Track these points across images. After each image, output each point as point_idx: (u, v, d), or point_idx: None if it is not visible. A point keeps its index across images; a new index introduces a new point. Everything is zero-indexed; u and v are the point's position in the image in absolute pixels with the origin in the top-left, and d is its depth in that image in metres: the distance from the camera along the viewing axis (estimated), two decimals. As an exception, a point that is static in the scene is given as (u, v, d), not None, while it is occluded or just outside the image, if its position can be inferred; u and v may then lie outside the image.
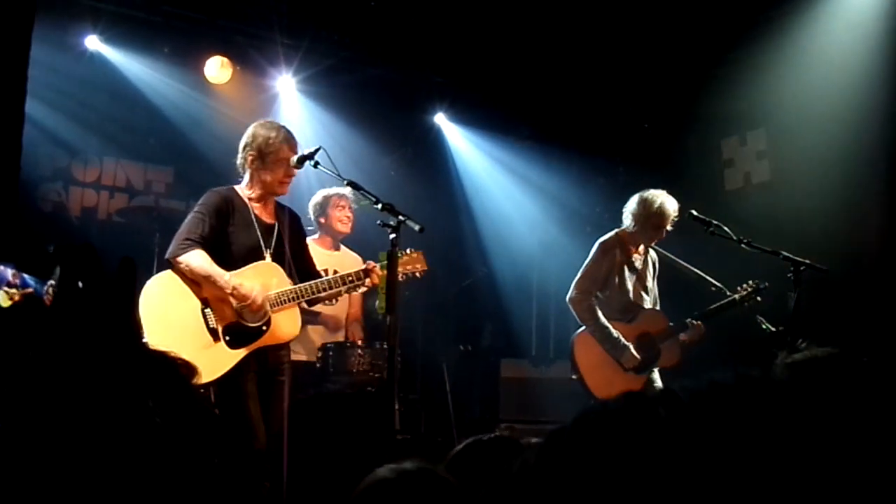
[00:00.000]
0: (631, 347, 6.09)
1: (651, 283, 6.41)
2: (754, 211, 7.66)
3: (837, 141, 7.22)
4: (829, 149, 7.28)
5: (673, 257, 6.43)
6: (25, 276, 4.67)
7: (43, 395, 1.21)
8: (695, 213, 5.94)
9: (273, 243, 5.12)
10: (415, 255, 5.31)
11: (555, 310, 10.16)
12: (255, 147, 5.11)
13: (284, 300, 4.98)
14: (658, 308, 6.42)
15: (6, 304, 4.48)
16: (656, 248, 6.45)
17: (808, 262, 5.50)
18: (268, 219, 5.18)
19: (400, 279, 5.11)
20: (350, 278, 5.12)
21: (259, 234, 5.07)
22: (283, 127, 5.26)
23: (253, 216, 5.09)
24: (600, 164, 9.59)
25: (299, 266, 5.27)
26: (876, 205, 7.00)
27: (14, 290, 4.56)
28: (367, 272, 5.13)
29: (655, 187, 6.30)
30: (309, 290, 5.06)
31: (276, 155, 5.08)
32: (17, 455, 1.22)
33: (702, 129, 8.45)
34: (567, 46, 8.58)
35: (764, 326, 5.86)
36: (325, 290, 5.11)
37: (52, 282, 4.52)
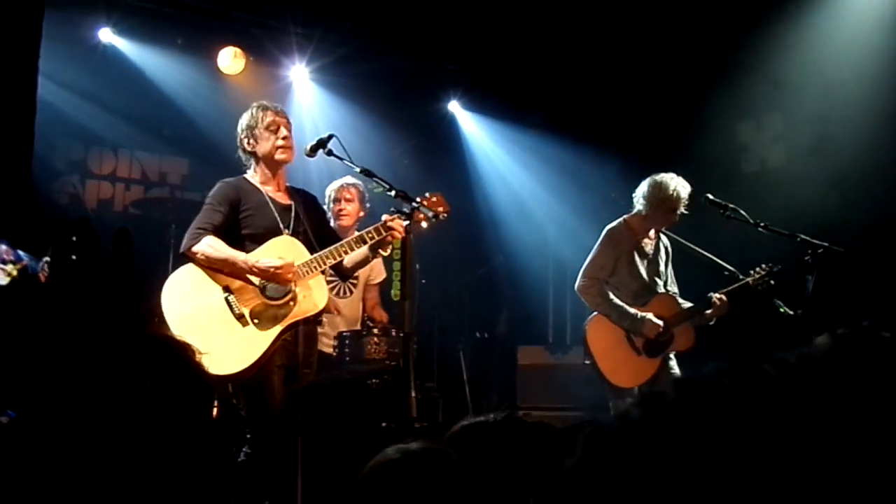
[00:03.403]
0: (650, 315, 6.06)
1: (664, 267, 6.37)
2: (770, 195, 7.60)
3: (854, 124, 7.17)
4: (846, 132, 7.23)
5: (684, 241, 6.40)
6: (20, 251, 4.68)
7: (41, 371, 1.21)
8: (711, 196, 5.91)
9: (291, 222, 5.07)
10: (434, 197, 5.08)
11: (571, 296, 10.11)
12: (244, 129, 5.14)
13: (307, 271, 4.91)
14: (676, 292, 6.39)
15: (5, 281, 4.49)
16: (667, 232, 6.41)
17: (825, 244, 5.46)
18: (283, 199, 5.14)
19: (424, 225, 5.01)
20: (370, 235, 4.96)
21: (276, 214, 5.03)
22: (261, 102, 5.27)
23: (267, 198, 5.06)
24: (615, 150, 9.55)
25: (322, 241, 5.20)
26: (893, 187, 6.94)
27: (10, 267, 4.57)
28: (386, 226, 4.93)
29: (670, 172, 6.26)
30: (331, 256, 4.97)
31: (262, 123, 5.08)
32: (21, 434, 1.22)
33: (717, 114, 8.39)
34: (580, 32, 8.55)
35: (781, 310, 5.82)
36: (345, 252, 5.00)
37: (46, 258, 4.53)
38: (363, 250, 5.08)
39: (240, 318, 4.86)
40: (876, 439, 0.63)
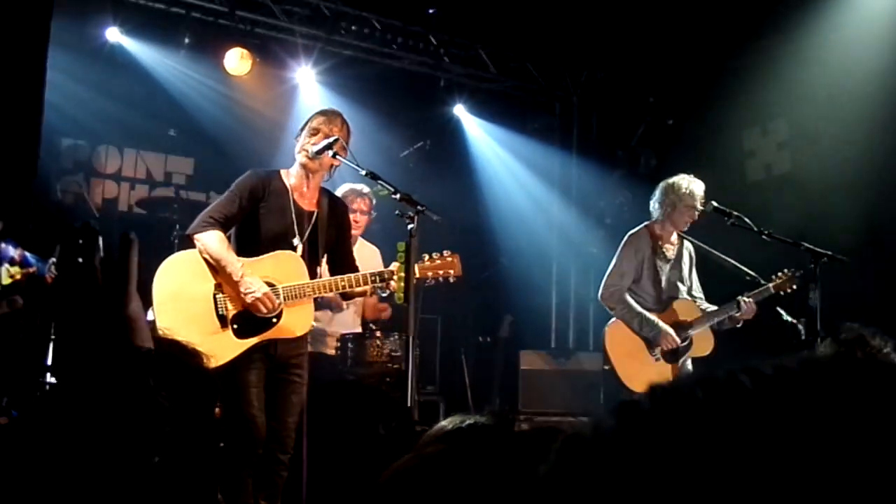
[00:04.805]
0: (670, 330, 6.06)
1: (687, 272, 6.37)
2: (775, 202, 7.60)
3: (859, 131, 7.16)
4: (851, 139, 7.23)
5: (707, 248, 6.39)
6: (28, 254, 4.69)
7: (46, 371, 1.22)
8: (715, 203, 5.93)
9: (307, 231, 5.00)
10: (451, 258, 5.07)
11: (574, 301, 10.15)
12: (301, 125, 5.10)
13: (297, 294, 4.86)
14: (701, 297, 6.38)
15: (6, 281, 4.50)
16: (690, 238, 6.39)
17: (829, 253, 5.46)
18: (307, 206, 5.04)
19: (430, 283, 5.03)
20: (373, 278, 4.94)
21: (293, 219, 4.95)
22: (333, 109, 5.23)
23: (291, 201, 4.97)
24: (620, 155, 9.55)
25: (335, 258, 5.18)
26: (898, 196, 6.94)
27: (16, 269, 4.58)
28: (391, 274, 4.89)
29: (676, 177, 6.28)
30: (324, 287, 4.94)
31: (310, 123, 5.01)
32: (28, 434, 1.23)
33: (723, 120, 8.39)
34: (586, 36, 8.55)
35: (784, 318, 5.82)
36: (344, 287, 4.95)
37: (53, 259, 4.54)
38: (360, 287, 5.04)
39: (221, 318, 4.81)
40: (847, 458, 0.62)
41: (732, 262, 6.26)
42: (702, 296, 6.39)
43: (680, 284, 6.30)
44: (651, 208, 6.29)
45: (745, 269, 6.19)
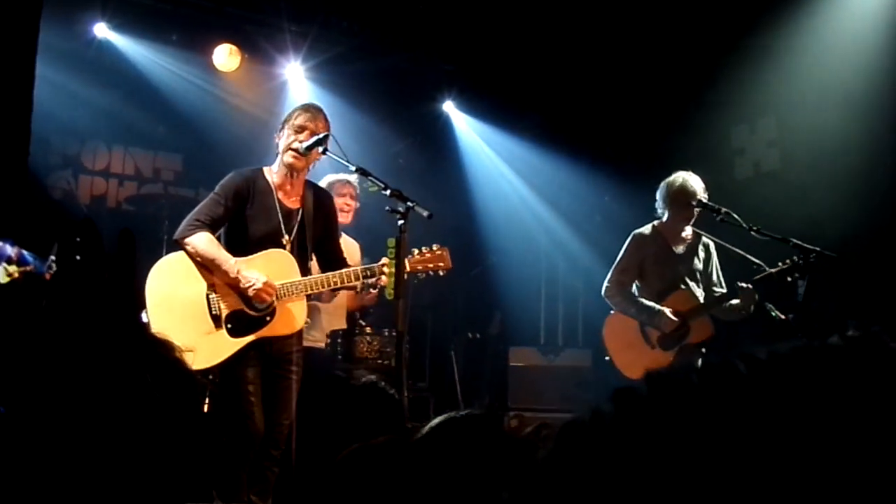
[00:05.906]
0: (666, 311, 6.08)
1: (702, 266, 6.36)
2: (764, 199, 7.62)
3: (847, 129, 7.18)
4: (839, 137, 7.24)
5: (719, 241, 6.39)
6: (25, 252, 4.69)
7: (42, 370, 1.22)
8: (703, 199, 5.95)
9: (294, 229, 5.01)
10: (440, 252, 5.05)
11: (564, 297, 10.16)
12: (282, 120, 5.10)
13: (291, 292, 4.89)
14: (722, 292, 6.35)
15: (4, 280, 4.49)
16: (704, 233, 6.38)
17: (817, 249, 5.48)
18: (291, 203, 5.06)
19: (421, 276, 5.03)
20: (365, 273, 4.94)
21: (280, 219, 4.96)
22: (315, 105, 5.20)
23: (276, 200, 4.99)
24: (609, 153, 9.56)
25: (323, 253, 5.19)
26: (886, 193, 6.96)
27: (14, 267, 4.57)
28: (381, 270, 4.89)
29: (664, 176, 6.30)
30: (318, 284, 4.95)
31: (290, 122, 5.00)
32: (20, 434, 1.22)
33: (711, 117, 8.40)
34: (575, 34, 8.56)
35: (773, 314, 5.83)
36: (335, 283, 4.96)
37: (52, 257, 4.53)
38: (352, 283, 5.03)
39: (215, 318, 4.84)
40: (842, 441, 0.63)
41: (740, 251, 6.26)
42: (723, 290, 6.36)
43: (689, 279, 6.31)
44: (656, 207, 6.33)
45: (752, 258, 6.19)
